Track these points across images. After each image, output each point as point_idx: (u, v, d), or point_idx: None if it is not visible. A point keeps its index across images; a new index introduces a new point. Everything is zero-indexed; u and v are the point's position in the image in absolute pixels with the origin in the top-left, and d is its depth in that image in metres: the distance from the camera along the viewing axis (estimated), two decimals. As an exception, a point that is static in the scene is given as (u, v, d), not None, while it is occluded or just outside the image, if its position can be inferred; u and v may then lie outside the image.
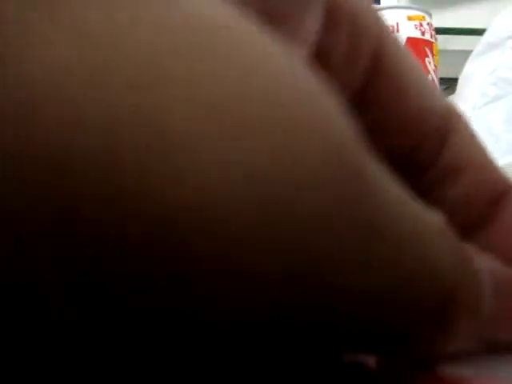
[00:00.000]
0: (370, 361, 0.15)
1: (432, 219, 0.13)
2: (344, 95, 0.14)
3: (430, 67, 0.91)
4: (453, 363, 0.14)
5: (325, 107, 0.11)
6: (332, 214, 0.10)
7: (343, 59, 0.16)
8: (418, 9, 0.98)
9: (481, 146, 0.18)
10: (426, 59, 0.91)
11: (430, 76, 0.89)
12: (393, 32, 0.17)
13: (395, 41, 0.17)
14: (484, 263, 0.15)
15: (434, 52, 0.95)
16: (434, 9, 1.03)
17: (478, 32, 0.97)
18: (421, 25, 0.97)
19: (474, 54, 0.89)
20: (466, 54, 0.91)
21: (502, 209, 0.18)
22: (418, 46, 0.91)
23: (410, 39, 0.90)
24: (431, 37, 0.97)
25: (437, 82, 0.90)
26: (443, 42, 1.04)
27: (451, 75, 0.99)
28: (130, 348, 0.10)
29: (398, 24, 0.91)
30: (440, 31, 1.03)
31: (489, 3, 1.11)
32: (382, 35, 0.16)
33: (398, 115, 0.17)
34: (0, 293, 0.09)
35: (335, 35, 0.16)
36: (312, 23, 0.15)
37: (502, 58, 0.85)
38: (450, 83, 1.01)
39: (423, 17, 0.98)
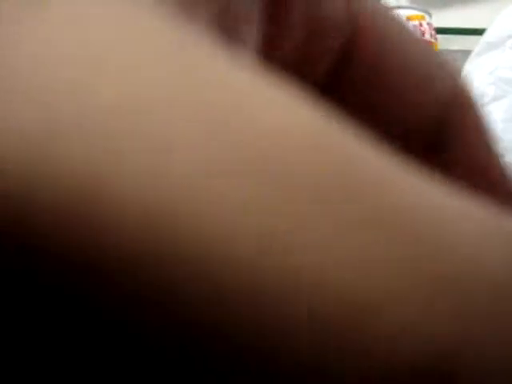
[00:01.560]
0: None
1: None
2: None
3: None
4: None
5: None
6: None
7: (298, 54, 0.15)
8: (417, 9, 0.98)
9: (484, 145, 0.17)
10: (426, 59, 0.91)
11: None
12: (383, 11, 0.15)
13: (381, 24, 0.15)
14: None
15: (434, 52, 0.95)
16: (434, 9, 1.03)
17: (478, 32, 0.97)
18: (420, 25, 0.97)
19: (473, 53, 0.89)
20: (465, 54, 0.91)
21: None
22: (417, 45, 0.91)
23: (409, 39, 0.90)
24: (431, 37, 0.97)
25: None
26: (443, 41, 1.04)
27: (451, 75, 0.99)
28: None
29: (398, 24, 0.91)
30: (440, 31, 1.03)
31: (489, 3, 1.11)
32: (357, 20, 0.15)
33: (383, 102, 0.16)
34: None
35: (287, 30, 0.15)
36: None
37: (502, 57, 0.85)
38: (449, 83, 1.01)
39: (423, 17, 0.98)
